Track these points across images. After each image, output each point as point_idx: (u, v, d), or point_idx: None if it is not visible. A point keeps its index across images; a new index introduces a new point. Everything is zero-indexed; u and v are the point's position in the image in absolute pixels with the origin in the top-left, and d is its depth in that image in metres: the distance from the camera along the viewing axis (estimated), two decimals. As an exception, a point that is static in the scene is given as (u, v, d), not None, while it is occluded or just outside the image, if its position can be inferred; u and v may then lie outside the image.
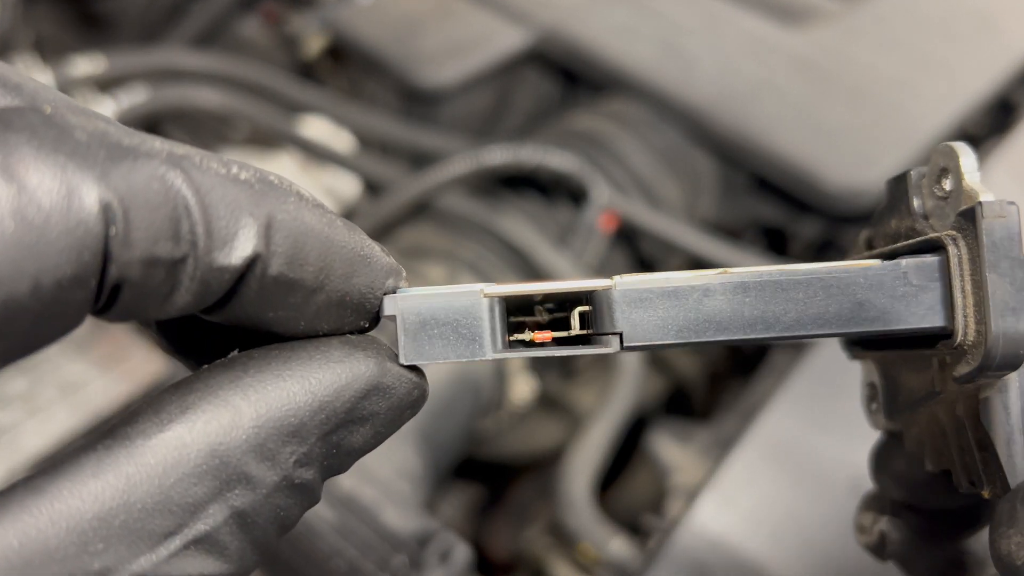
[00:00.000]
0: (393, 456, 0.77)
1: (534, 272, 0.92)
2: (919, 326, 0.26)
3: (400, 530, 0.66)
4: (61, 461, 0.20)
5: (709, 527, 0.69)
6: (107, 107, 0.97)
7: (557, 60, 1.13)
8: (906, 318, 0.26)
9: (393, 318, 0.25)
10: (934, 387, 0.28)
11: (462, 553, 0.65)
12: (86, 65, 0.99)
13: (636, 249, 1.03)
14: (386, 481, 0.72)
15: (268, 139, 1.11)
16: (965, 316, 0.26)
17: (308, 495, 0.24)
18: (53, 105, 0.20)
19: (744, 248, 0.98)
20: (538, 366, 0.95)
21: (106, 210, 0.19)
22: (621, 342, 0.26)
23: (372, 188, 1.07)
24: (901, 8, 1.18)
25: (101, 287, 0.20)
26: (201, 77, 1.06)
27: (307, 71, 1.22)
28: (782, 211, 1.04)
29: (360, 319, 0.25)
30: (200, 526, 0.21)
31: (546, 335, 0.28)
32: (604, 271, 0.98)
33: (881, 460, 0.35)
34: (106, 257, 0.20)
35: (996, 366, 0.25)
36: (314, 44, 1.18)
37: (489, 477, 1.05)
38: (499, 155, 0.95)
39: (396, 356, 0.25)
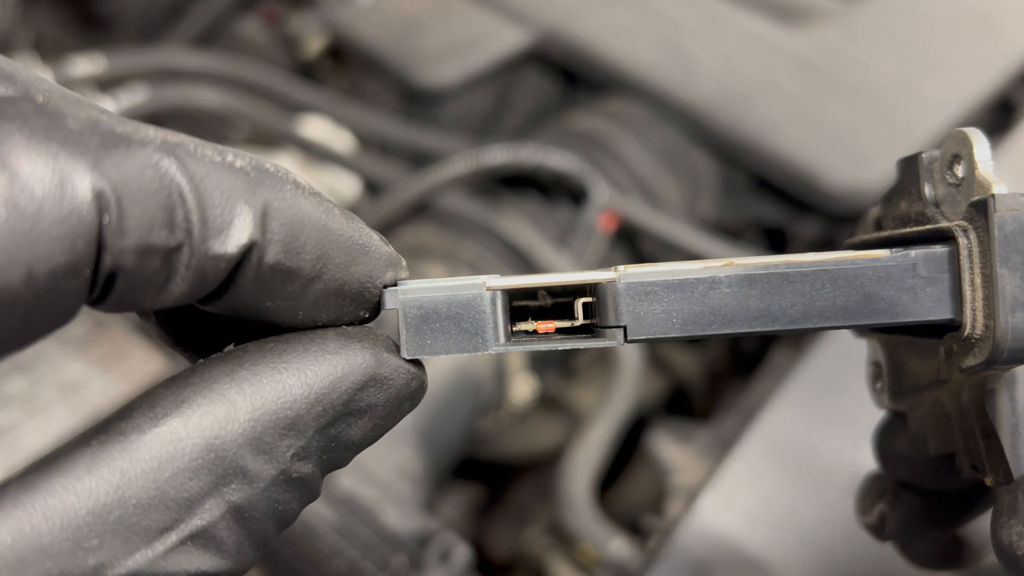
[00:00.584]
0: (393, 456, 0.77)
1: (534, 272, 0.92)
2: (927, 318, 0.26)
3: (400, 530, 0.66)
4: (55, 456, 0.20)
5: (709, 527, 0.69)
6: (107, 107, 0.97)
7: (557, 60, 1.13)
8: (914, 310, 0.26)
9: (395, 312, 0.25)
10: (940, 375, 0.28)
11: (462, 553, 0.65)
12: (86, 65, 0.99)
13: (636, 249, 1.03)
14: (386, 481, 0.72)
15: (268, 139, 1.10)
16: (974, 309, 0.25)
17: (307, 489, 0.23)
18: (46, 95, 0.20)
19: (744, 248, 0.98)
20: (538, 365, 0.94)
21: (99, 198, 0.19)
22: (625, 335, 0.25)
23: (372, 188, 1.07)
24: (901, 8, 1.18)
25: (96, 276, 0.20)
26: (201, 77, 1.06)
27: (307, 71, 1.22)
28: (782, 211, 1.04)
29: (359, 309, 0.25)
30: (196, 521, 0.21)
31: (549, 325, 0.27)
32: (604, 271, 0.98)
33: (884, 439, 0.35)
34: (100, 245, 0.19)
35: (1004, 360, 0.25)
36: (314, 44, 1.18)
37: (489, 477, 1.05)
38: (499, 155, 0.95)
39: (394, 347, 0.25)
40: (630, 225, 0.97)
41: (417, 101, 1.10)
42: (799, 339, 0.87)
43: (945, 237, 0.26)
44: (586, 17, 1.13)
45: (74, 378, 0.79)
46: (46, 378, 0.78)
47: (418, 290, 0.25)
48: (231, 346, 0.24)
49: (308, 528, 0.66)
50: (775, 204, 1.04)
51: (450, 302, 0.25)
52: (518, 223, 0.94)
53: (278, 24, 1.25)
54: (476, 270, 0.92)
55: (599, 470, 0.81)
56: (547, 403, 1.00)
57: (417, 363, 0.25)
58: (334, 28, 1.14)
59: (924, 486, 0.34)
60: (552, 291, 0.28)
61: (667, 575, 0.67)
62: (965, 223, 0.26)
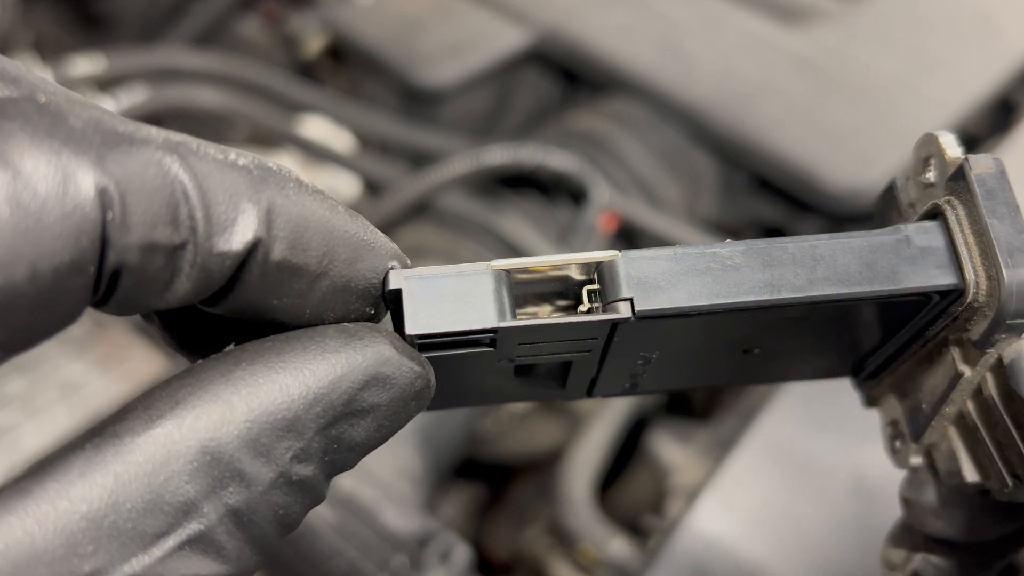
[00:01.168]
0: (393, 456, 0.77)
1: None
2: (930, 284, 0.26)
3: (400, 530, 0.66)
4: (49, 461, 0.20)
5: (709, 527, 0.69)
6: (107, 107, 0.97)
7: (557, 60, 1.13)
8: (915, 279, 0.26)
9: (398, 291, 0.25)
10: (956, 370, 0.28)
11: (462, 553, 0.65)
12: (86, 65, 0.99)
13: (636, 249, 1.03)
14: (386, 481, 0.72)
15: (268, 139, 1.10)
16: (974, 268, 0.26)
17: (310, 492, 0.23)
18: (49, 96, 0.20)
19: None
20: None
21: (102, 195, 0.19)
22: (632, 309, 0.25)
23: (372, 188, 1.07)
24: (901, 8, 1.18)
25: (100, 274, 0.20)
26: (201, 77, 1.06)
27: (307, 71, 1.22)
28: (782, 211, 1.04)
29: (366, 306, 0.25)
30: (194, 525, 0.20)
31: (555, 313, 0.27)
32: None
33: (912, 492, 0.33)
34: (104, 243, 0.19)
35: (1014, 308, 0.25)
36: (314, 44, 1.18)
37: (489, 477, 1.05)
38: (499, 155, 0.95)
39: (398, 345, 0.24)
40: (630, 225, 0.97)
41: (417, 101, 1.10)
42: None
43: (933, 216, 0.27)
44: (586, 17, 1.13)
45: (74, 378, 0.79)
46: (46, 378, 0.78)
47: (422, 269, 0.25)
48: (231, 346, 0.24)
49: (308, 528, 0.66)
50: (775, 204, 1.04)
51: (455, 279, 0.25)
52: (518, 223, 0.94)
53: (278, 24, 1.25)
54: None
55: (599, 470, 0.81)
56: (547, 403, 1.00)
57: (423, 362, 0.25)
58: (334, 28, 1.14)
59: (959, 540, 0.32)
60: (555, 295, 0.28)
61: (667, 575, 0.67)
62: (949, 196, 0.27)
